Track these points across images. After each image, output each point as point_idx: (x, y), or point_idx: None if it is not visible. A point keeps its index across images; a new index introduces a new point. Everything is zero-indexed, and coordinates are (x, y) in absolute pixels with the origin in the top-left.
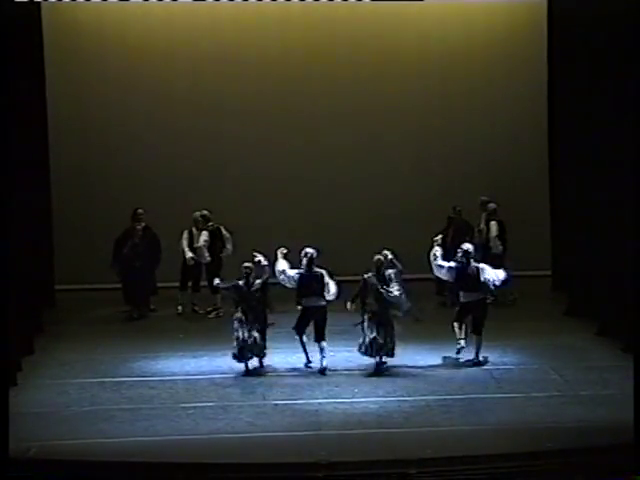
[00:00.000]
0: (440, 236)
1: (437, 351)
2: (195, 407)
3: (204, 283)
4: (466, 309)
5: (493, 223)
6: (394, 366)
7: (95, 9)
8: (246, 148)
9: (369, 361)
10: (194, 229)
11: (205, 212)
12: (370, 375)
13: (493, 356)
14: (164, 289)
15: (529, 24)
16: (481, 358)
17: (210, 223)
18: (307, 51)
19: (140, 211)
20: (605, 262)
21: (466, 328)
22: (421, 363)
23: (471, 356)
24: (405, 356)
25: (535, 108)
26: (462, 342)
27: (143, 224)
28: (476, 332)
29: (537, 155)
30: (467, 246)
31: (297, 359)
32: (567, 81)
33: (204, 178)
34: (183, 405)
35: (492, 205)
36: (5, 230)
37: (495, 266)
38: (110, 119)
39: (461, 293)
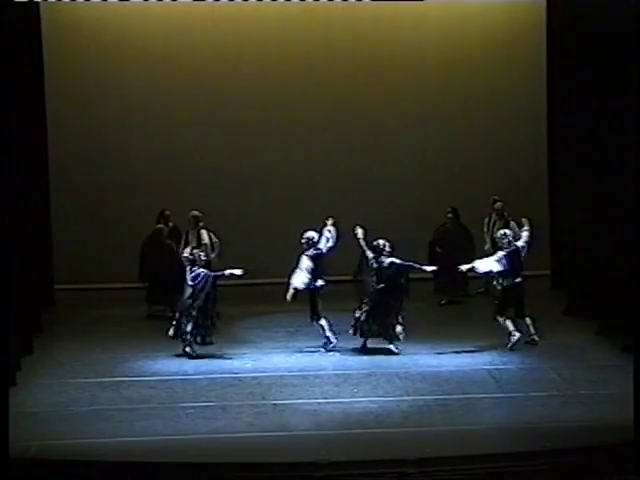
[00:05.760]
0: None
1: (437, 351)
2: (194, 407)
3: None
4: (509, 294)
5: (513, 224)
6: (393, 366)
7: (94, 9)
8: (246, 146)
9: (369, 361)
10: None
11: (196, 212)
12: (369, 375)
13: (492, 356)
14: None
15: (528, 23)
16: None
17: (201, 223)
18: (306, 50)
19: (168, 212)
20: (605, 261)
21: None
22: (421, 363)
23: (476, 358)
24: (405, 356)
25: (534, 108)
26: (517, 334)
27: (171, 224)
28: (522, 315)
29: (536, 154)
30: (505, 231)
31: (296, 359)
32: (566, 80)
33: (204, 176)
34: (182, 405)
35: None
36: (4, 230)
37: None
38: (109, 119)
39: (502, 280)
